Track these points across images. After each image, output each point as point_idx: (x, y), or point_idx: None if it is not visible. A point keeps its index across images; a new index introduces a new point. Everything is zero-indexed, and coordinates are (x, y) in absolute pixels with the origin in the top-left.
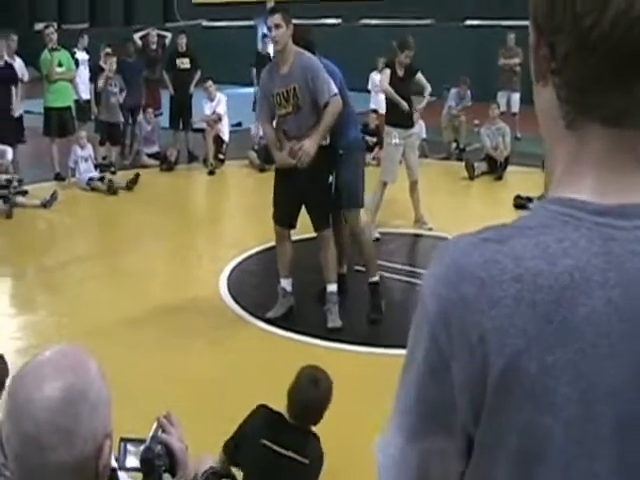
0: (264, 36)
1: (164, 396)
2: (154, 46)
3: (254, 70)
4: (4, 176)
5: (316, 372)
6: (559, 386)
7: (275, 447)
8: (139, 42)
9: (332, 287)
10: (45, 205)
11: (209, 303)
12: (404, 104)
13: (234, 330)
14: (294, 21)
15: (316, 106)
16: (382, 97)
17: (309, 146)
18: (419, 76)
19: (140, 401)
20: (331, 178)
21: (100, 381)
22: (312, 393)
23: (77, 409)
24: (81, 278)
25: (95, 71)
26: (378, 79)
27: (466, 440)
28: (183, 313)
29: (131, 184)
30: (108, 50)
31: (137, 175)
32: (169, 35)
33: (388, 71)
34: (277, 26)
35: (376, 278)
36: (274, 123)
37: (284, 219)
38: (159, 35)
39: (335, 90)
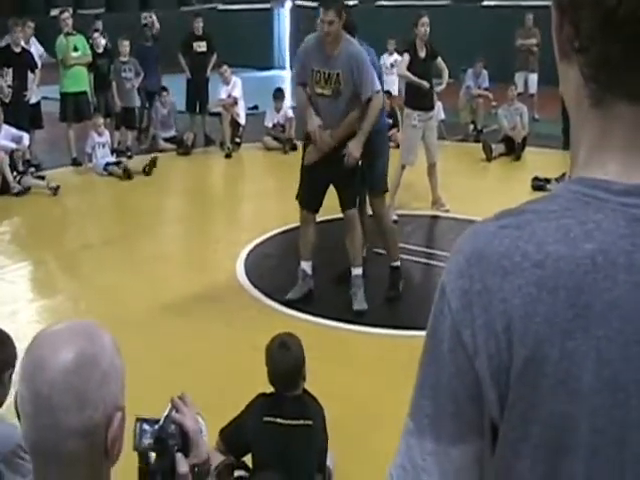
0: None
1: (180, 378)
2: (155, 30)
3: None
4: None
5: (283, 338)
6: (583, 374)
7: (278, 420)
8: (143, 21)
9: (357, 270)
10: (55, 193)
11: (227, 286)
12: (424, 83)
13: (252, 313)
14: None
15: (354, 97)
16: (394, 79)
17: (354, 148)
18: (439, 61)
19: (157, 383)
20: (360, 162)
21: (113, 352)
22: (286, 357)
23: (88, 372)
24: (98, 262)
25: (111, 55)
26: (390, 61)
27: (493, 434)
28: (200, 296)
29: (149, 168)
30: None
31: (154, 159)
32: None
33: (407, 56)
34: (331, 23)
35: (397, 263)
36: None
37: (311, 202)
38: (158, 18)
39: (378, 87)
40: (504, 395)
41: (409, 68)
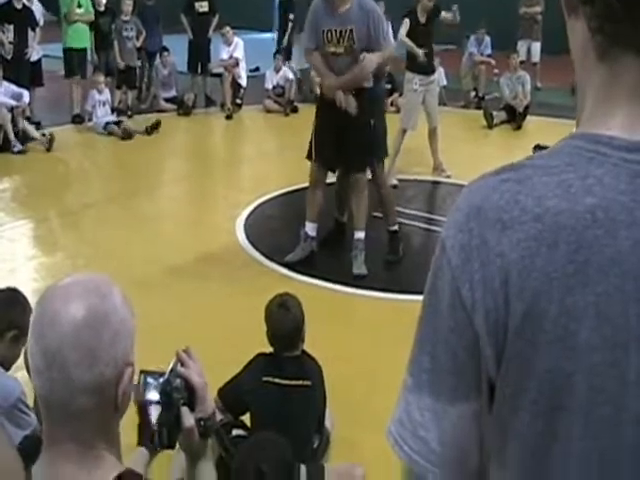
0: None
1: (178, 336)
2: None
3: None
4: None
5: (282, 298)
6: (581, 330)
7: (276, 380)
8: None
9: (360, 234)
10: (49, 145)
11: (226, 246)
12: (420, 52)
13: (251, 273)
14: None
15: (369, 52)
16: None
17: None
18: (443, 14)
19: (158, 339)
20: (372, 121)
21: (124, 310)
22: (285, 317)
23: (99, 330)
24: (98, 220)
25: (112, 14)
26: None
27: (490, 392)
28: (200, 255)
29: (151, 130)
30: None
31: (158, 122)
32: None
33: (407, 21)
34: None
35: (395, 227)
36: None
37: (327, 158)
38: None
39: (392, 42)
40: (501, 351)
41: (409, 34)
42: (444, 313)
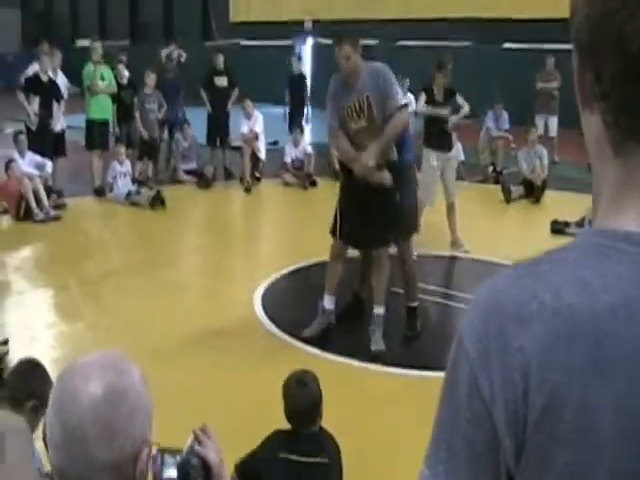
0: (299, 58)
1: (196, 410)
2: (174, 62)
3: (287, 92)
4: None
5: (300, 374)
6: (601, 425)
7: (293, 457)
8: (163, 55)
9: (379, 309)
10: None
11: (244, 319)
12: (444, 112)
13: (268, 347)
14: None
15: (390, 117)
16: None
17: (368, 156)
18: (457, 97)
19: (173, 412)
20: (398, 196)
21: (142, 387)
22: (303, 394)
23: (117, 407)
24: (118, 290)
25: (134, 87)
26: (405, 100)
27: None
28: (218, 328)
29: (153, 202)
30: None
31: (159, 195)
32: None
33: (424, 95)
34: (348, 57)
35: (416, 304)
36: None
37: (351, 237)
38: (179, 53)
39: (404, 101)
40: (521, 443)
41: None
42: (462, 405)
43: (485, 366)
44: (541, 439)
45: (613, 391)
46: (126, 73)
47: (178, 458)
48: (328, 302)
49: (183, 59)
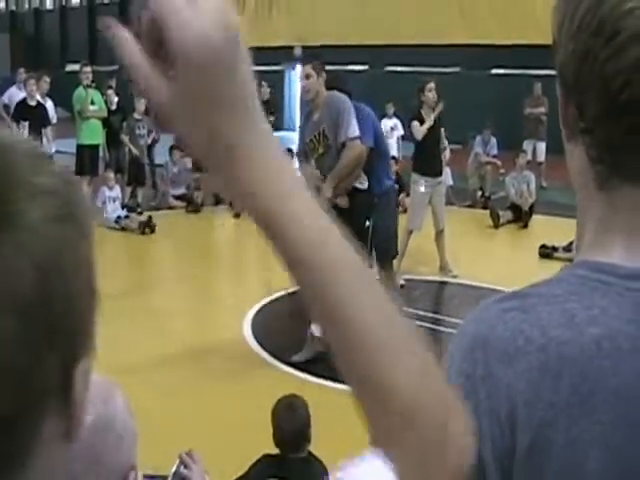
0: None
1: (184, 435)
2: None
3: None
4: None
5: (289, 399)
6: (588, 460)
7: None
8: None
9: None
10: None
11: (234, 344)
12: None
13: (257, 372)
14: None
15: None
16: (393, 143)
17: (324, 189)
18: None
19: (162, 438)
20: (368, 223)
21: (126, 413)
22: (292, 419)
23: (104, 438)
24: (106, 314)
25: (123, 112)
26: (390, 124)
27: None
28: (207, 353)
29: (144, 228)
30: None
31: (150, 221)
32: None
33: (416, 123)
34: (307, 76)
35: None
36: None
37: None
38: None
39: (356, 134)
40: (507, 479)
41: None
42: None
43: (472, 404)
44: (528, 475)
45: (599, 424)
46: (115, 98)
47: None
48: (317, 329)
49: None
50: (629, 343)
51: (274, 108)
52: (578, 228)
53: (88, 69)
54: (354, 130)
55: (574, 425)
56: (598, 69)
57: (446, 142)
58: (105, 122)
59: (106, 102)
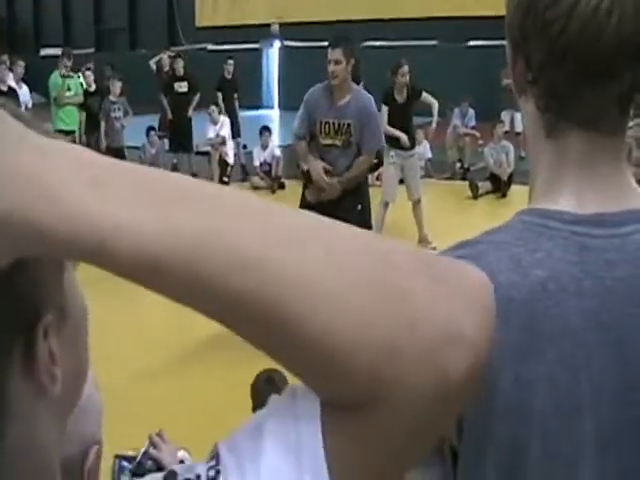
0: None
1: (160, 416)
2: (167, 68)
3: (220, 94)
4: None
5: (269, 373)
6: (534, 398)
7: None
8: (154, 67)
9: None
10: None
11: (214, 325)
12: (404, 139)
13: (236, 355)
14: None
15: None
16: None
17: (332, 191)
18: (424, 95)
19: (143, 421)
20: (360, 206)
21: (90, 386)
22: (272, 392)
23: None
24: (90, 298)
25: (101, 94)
26: None
27: (453, 459)
28: (188, 335)
29: None
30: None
31: None
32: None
33: (385, 109)
34: (337, 62)
35: None
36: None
37: None
38: (170, 57)
39: (382, 145)
40: (461, 419)
41: (388, 116)
42: None
43: None
44: (479, 415)
45: (544, 364)
46: (92, 80)
47: (134, 463)
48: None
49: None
50: (574, 284)
51: (191, 83)
52: (530, 178)
53: (69, 63)
54: (381, 140)
55: (521, 365)
56: (540, 18)
57: (435, 111)
58: (82, 105)
59: (82, 85)
